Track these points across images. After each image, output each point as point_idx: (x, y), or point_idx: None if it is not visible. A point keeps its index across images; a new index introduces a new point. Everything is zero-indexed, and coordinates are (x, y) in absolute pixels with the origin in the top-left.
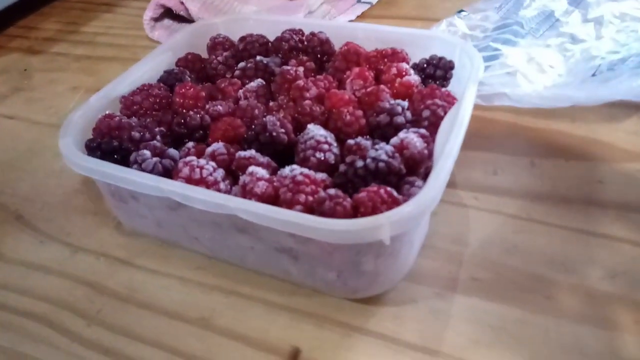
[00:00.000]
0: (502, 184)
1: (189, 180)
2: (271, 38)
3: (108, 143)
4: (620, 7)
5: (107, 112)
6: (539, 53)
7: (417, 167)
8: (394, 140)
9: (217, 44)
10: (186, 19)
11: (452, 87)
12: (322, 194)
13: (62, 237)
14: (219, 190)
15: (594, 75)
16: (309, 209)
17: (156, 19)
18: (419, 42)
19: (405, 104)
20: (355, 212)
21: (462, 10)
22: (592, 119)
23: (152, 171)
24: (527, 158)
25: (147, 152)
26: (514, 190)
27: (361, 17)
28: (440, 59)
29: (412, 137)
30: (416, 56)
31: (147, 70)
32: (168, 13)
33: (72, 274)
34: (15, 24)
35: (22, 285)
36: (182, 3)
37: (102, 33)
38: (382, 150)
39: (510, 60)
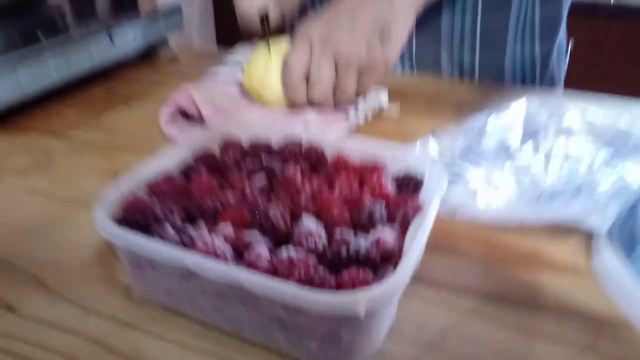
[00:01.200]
0: (460, 283)
1: (203, 252)
2: (273, 143)
3: (136, 218)
4: (566, 145)
5: (134, 194)
6: (496, 177)
7: (389, 258)
8: (372, 234)
9: (228, 144)
10: (198, 120)
11: (422, 197)
12: (312, 272)
13: (76, 300)
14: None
15: (538, 200)
16: (304, 282)
17: (172, 117)
18: (398, 157)
19: (382, 207)
20: (338, 289)
21: (433, 133)
22: (537, 235)
23: (172, 244)
24: (482, 264)
25: (168, 228)
26: (470, 290)
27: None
28: (412, 176)
29: (386, 235)
30: (394, 167)
31: (168, 161)
32: (182, 113)
33: (83, 333)
34: (42, 107)
35: (36, 339)
36: (195, 106)
37: (119, 124)
38: (362, 243)
39: (471, 182)
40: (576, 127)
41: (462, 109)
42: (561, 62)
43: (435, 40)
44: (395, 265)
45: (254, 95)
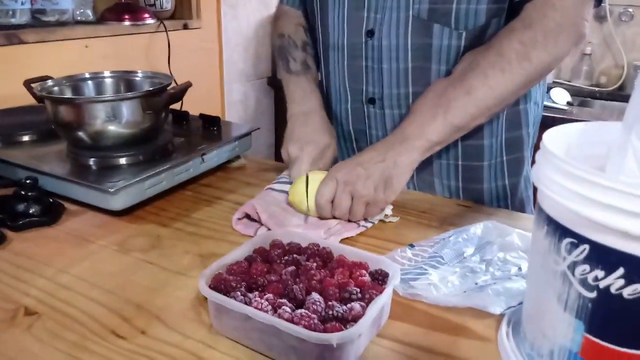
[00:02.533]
0: (409, 339)
1: (256, 308)
2: (303, 243)
3: (220, 286)
4: (503, 257)
5: (220, 272)
6: (448, 275)
7: (356, 319)
8: (349, 305)
9: (275, 244)
10: (257, 221)
11: (387, 285)
12: (312, 323)
13: (180, 330)
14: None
15: (471, 291)
16: (307, 327)
17: (240, 218)
18: (376, 260)
19: (358, 290)
20: (324, 332)
21: (412, 245)
22: (465, 313)
23: (239, 302)
24: (426, 328)
25: (237, 293)
26: (414, 344)
27: (360, 234)
28: (382, 271)
29: (357, 306)
30: (373, 265)
31: (239, 252)
32: (248, 216)
33: (184, 349)
34: (153, 204)
35: (159, 350)
36: (257, 213)
37: (204, 219)
38: (342, 309)
39: (432, 277)
40: (514, 245)
41: (445, 221)
42: (529, 190)
43: (430, 174)
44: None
45: (295, 207)
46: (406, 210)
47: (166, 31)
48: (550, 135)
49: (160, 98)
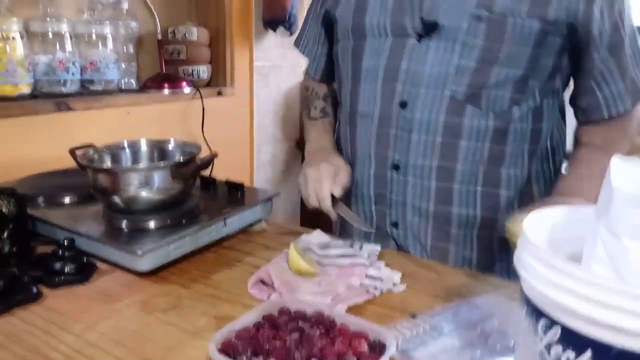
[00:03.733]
0: None
1: None
2: (310, 310)
3: (228, 350)
4: (505, 329)
5: (229, 337)
6: (449, 345)
7: None
8: None
9: (282, 310)
10: (271, 286)
11: (384, 354)
12: None
13: None
14: None
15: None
16: None
17: (255, 283)
18: (374, 329)
19: (355, 357)
20: None
21: (414, 315)
22: None
23: None
24: None
25: (244, 358)
26: None
27: (367, 301)
28: (380, 342)
29: None
30: (373, 335)
31: (249, 318)
32: (262, 281)
33: None
34: (176, 265)
35: None
36: (271, 279)
37: (223, 281)
38: None
39: (431, 348)
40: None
41: (452, 291)
42: None
43: (446, 242)
44: None
45: (294, 272)
46: (414, 278)
47: (201, 98)
48: (533, 219)
49: (189, 168)
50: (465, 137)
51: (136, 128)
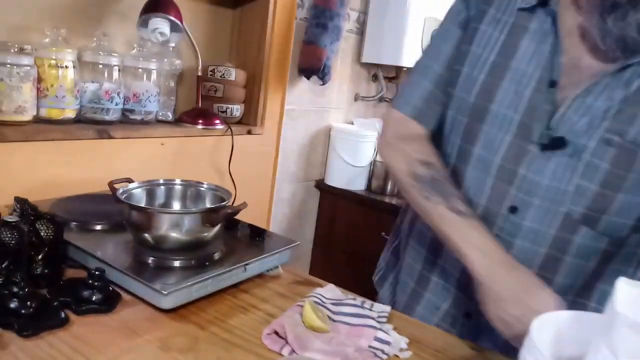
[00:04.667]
0: None
1: None
2: None
3: None
4: None
5: None
6: None
7: None
8: None
9: None
10: (284, 339)
11: None
12: None
13: None
14: None
15: None
16: None
17: (269, 333)
18: None
19: None
20: None
21: None
22: None
23: None
24: None
25: None
26: None
27: None
28: None
29: None
30: None
31: None
32: (276, 333)
33: None
34: (195, 304)
35: None
36: (284, 331)
37: (238, 326)
38: None
39: None
40: None
41: None
42: None
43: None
44: None
45: (307, 327)
46: (421, 346)
47: (232, 135)
48: (540, 322)
49: (218, 215)
50: (572, 254)
51: (168, 158)
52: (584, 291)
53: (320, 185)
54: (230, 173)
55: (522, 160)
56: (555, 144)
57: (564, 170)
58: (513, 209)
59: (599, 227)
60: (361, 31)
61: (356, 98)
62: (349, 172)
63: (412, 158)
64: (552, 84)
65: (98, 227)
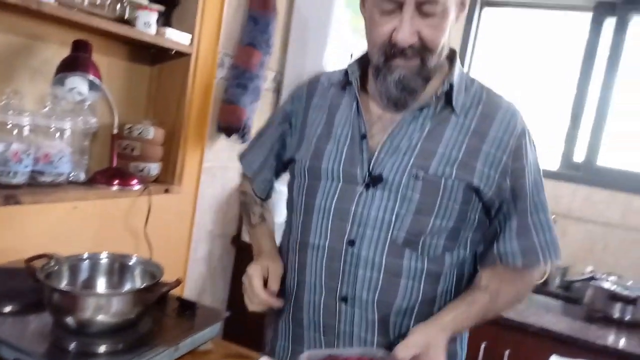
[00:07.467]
0: None
1: None
2: None
3: None
4: None
5: None
6: None
7: None
8: None
9: None
10: None
11: None
12: None
13: None
14: None
15: None
16: None
17: None
18: None
19: None
20: None
21: None
22: None
23: None
24: None
25: None
26: None
27: None
28: None
29: None
30: None
31: None
32: None
33: None
34: None
35: None
36: None
37: None
38: None
39: None
40: None
41: None
42: None
43: None
44: None
45: None
46: None
47: (149, 195)
48: None
49: (152, 294)
50: (404, 275)
51: (80, 223)
52: (422, 315)
53: (235, 241)
54: (146, 235)
55: (353, 199)
56: (374, 182)
57: (387, 202)
58: (351, 242)
59: (419, 248)
60: (277, 90)
61: None
62: None
63: (240, 191)
64: (363, 136)
65: (8, 309)
